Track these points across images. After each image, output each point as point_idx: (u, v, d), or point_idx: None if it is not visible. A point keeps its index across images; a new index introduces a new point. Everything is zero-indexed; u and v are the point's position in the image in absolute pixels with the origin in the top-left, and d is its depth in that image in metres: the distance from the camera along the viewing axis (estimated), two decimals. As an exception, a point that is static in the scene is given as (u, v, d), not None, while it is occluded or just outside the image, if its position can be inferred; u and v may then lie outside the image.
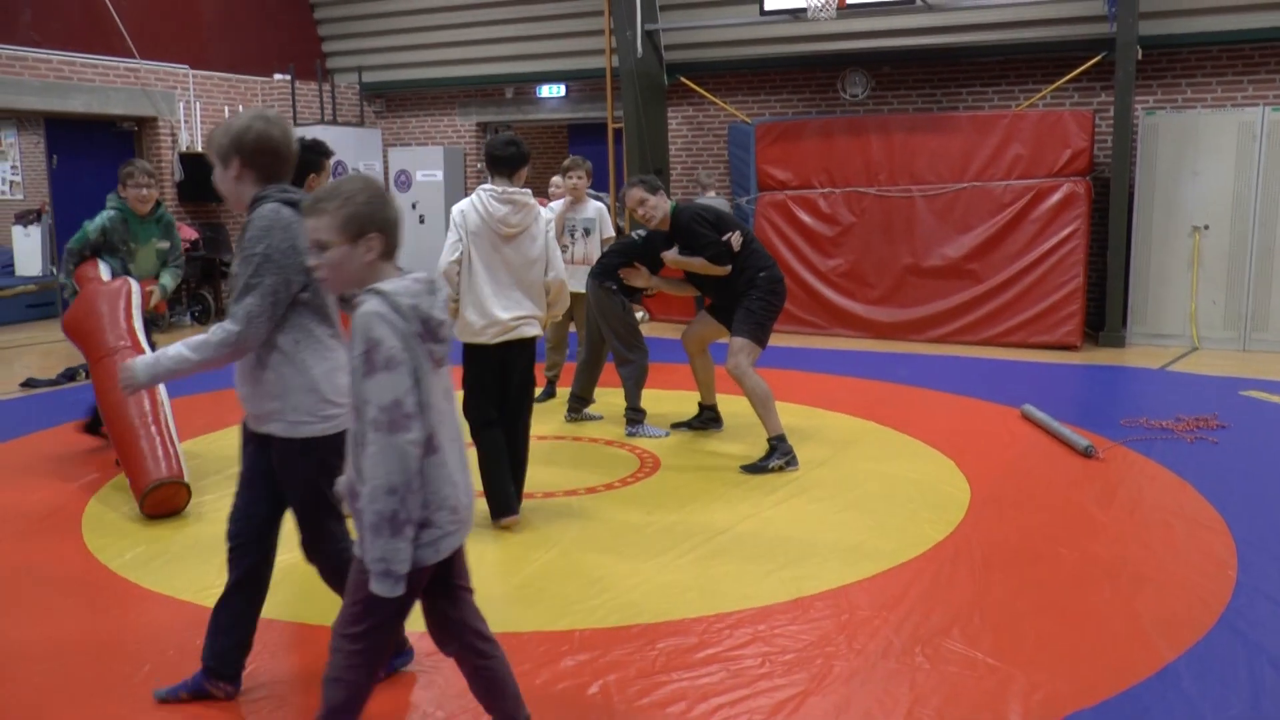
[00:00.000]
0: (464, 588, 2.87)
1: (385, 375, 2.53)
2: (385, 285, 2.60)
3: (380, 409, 2.52)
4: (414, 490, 2.57)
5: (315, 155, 5.10)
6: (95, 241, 6.28)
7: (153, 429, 5.46)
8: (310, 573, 4.51)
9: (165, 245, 6.57)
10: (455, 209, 5.02)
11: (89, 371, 6.08)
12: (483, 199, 4.93)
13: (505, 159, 4.97)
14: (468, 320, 4.95)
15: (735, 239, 6.15)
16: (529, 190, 5.03)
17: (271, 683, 3.51)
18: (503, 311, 4.92)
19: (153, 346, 5.95)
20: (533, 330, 5.05)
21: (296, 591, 4.30)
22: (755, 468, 5.95)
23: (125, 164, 6.49)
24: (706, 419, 6.91)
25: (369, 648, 2.71)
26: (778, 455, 5.97)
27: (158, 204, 6.50)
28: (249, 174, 3.16)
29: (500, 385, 5.05)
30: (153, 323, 6.51)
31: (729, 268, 6.16)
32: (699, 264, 6.20)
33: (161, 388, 5.69)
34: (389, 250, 2.68)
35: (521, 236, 4.95)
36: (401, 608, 2.72)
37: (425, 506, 2.63)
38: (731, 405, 7.00)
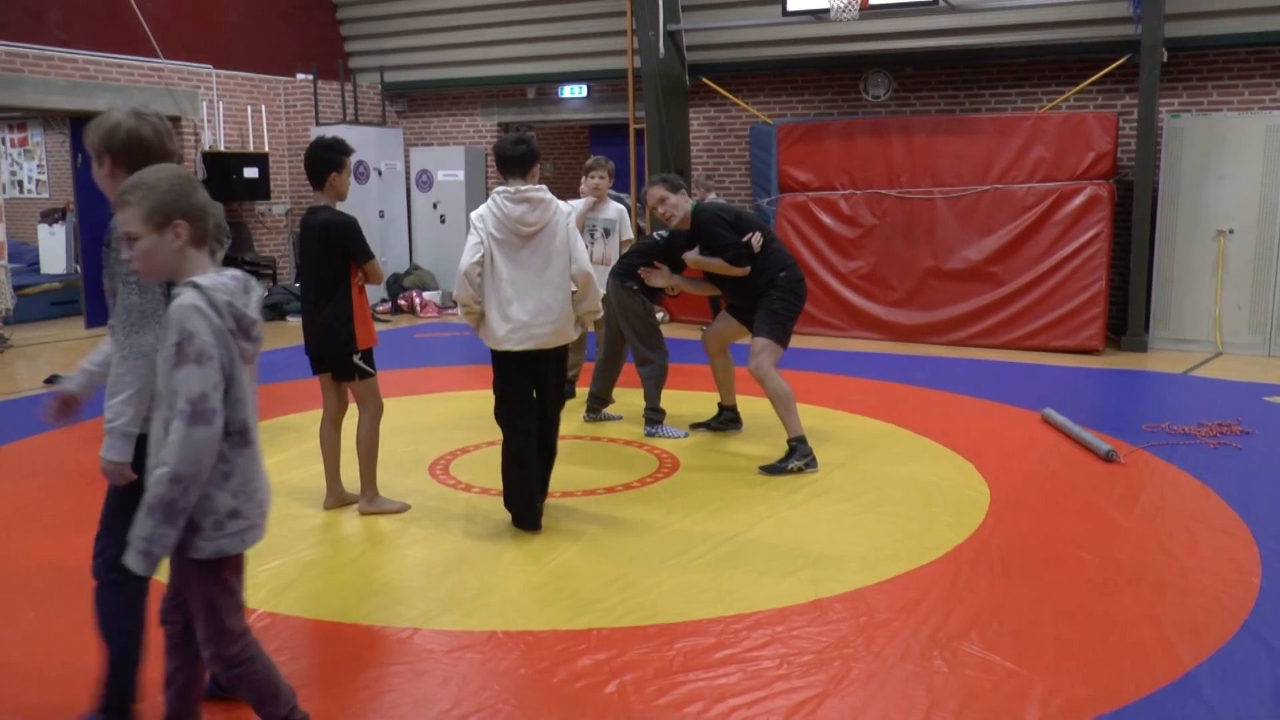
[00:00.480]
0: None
1: (195, 368, 2.59)
2: (203, 280, 2.66)
3: (188, 400, 2.58)
4: (199, 484, 2.62)
5: (334, 154, 5.10)
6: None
7: None
8: (326, 571, 4.54)
9: None
10: (474, 214, 4.99)
11: None
12: (498, 201, 4.90)
13: (516, 158, 4.93)
14: (492, 326, 4.93)
15: (755, 239, 6.13)
16: (544, 186, 5.00)
17: (290, 678, 3.52)
18: (527, 315, 4.87)
19: None
20: (562, 340, 4.98)
21: (313, 589, 4.32)
22: (774, 469, 5.93)
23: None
24: (726, 420, 6.90)
25: (230, 639, 2.78)
26: (797, 457, 5.95)
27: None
28: (120, 172, 3.14)
29: (531, 390, 5.03)
30: None
31: (748, 269, 6.14)
32: (718, 264, 6.18)
33: None
34: (198, 238, 2.72)
35: (542, 233, 4.91)
36: (233, 603, 2.79)
37: (236, 496, 2.72)
38: (751, 406, 6.99)
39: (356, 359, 5.13)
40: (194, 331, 2.59)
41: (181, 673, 2.90)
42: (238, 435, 2.71)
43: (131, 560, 2.60)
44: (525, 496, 5.00)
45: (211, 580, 2.72)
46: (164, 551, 2.63)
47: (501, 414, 5.01)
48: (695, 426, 6.91)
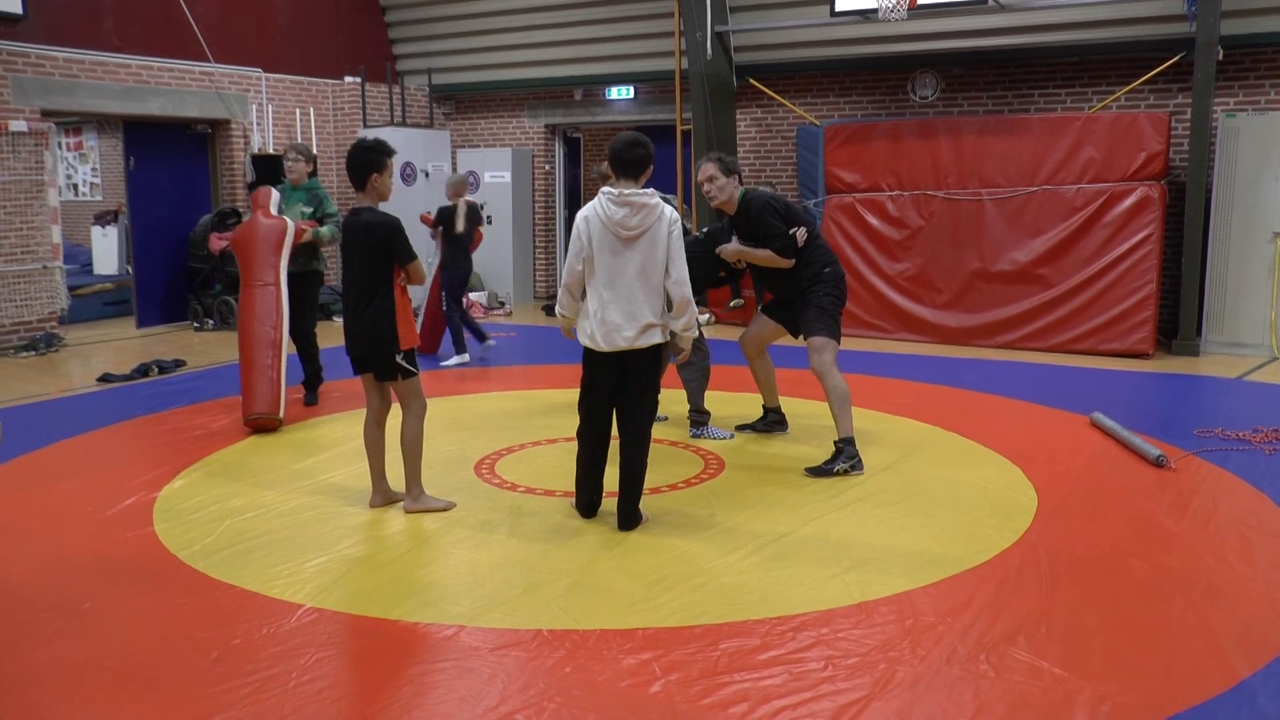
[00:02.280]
0: None
1: None
2: None
3: None
4: None
5: (375, 155, 5.15)
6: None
7: (270, 370, 7.03)
8: (372, 568, 4.57)
9: (309, 210, 7.70)
10: (579, 214, 5.00)
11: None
12: (602, 202, 4.90)
13: (631, 161, 4.89)
14: (582, 324, 4.97)
15: (800, 234, 6.10)
16: (652, 190, 4.96)
17: (330, 673, 3.55)
18: (621, 318, 4.86)
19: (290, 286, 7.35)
20: (652, 340, 4.93)
21: (358, 586, 4.35)
22: (820, 470, 5.90)
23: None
24: (771, 421, 6.87)
25: None
26: (844, 458, 5.92)
27: (310, 176, 7.84)
28: None
29: (612, 392, 5.04)
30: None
31: (793, 261, 6.10)
32: (764, 256, 6.12)
33: (286, 335, 7.25)
34: None
35: (642, 238, 4.86)
36: None
37: None
38: (797, 407, 6.96)
39: (399, 359, 5.16)
40: None
41: None
42: None
43: None
44: (582, 485, 5.17)
45: None
46: None
47: (581, 407, 5.12)
48: (741, 428, 6.89)
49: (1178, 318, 10.20)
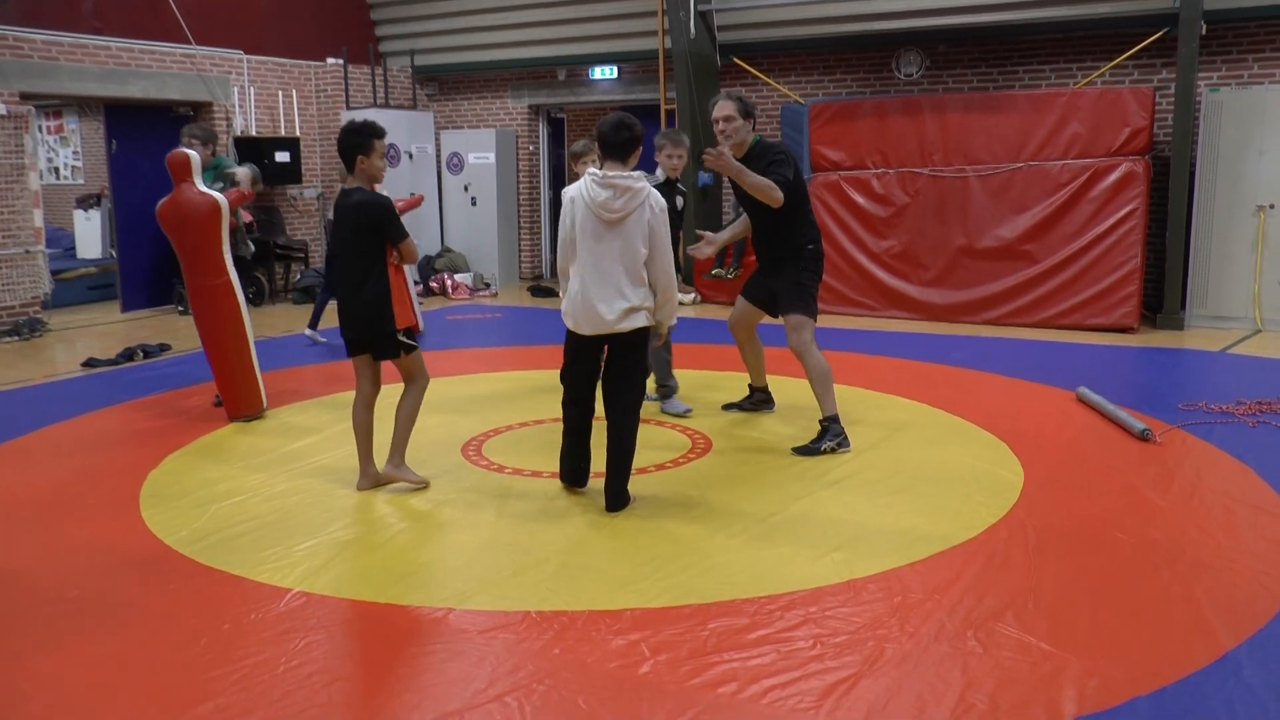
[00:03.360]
0: None
1: None
2: None
3: None
4: None
5: (360, 137, 5.14)
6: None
7: (243, 370, 6.80)
8: (361, 551, 4.57)
9: (219, 185, 7.47)
10: (565, 194, 4.99)
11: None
12: (587, 183, 4.88)
13: (617, 144, 4.86)
14: (565, 305, 4.99)
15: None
16: (640, 173, 4.93)
17: (320, 658, 3.55)
18: (600, 303, 4.85)
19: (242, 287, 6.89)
20: (634, 324, 4.91)
21: (347, 570, 4.35)
22: (807, 449, 5.91)
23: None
24: (758, 400, 6.86)
25: None
26: (829, 437, 5.93)
27: (215, 155, 7.87)
28: None
29: (594, 373, 5.06)
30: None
31: (781, 200, 5.74)
32: (761, 184, 5.68)
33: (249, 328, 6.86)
34: None
35: (626, 222, 4.84)
36: None
37: None
38: (785, 385, 6.97)
39: (400, 336, 5.21)
40: None
41: None
42: None
43: None
44: (566, 455, 5.23)
45: None
46: None
47: (563, 383, 5.15)
48: (727, 407, 6.89)
49: (1162, 292, 10.24)
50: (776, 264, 6.14)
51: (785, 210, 5.86)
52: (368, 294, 5.11)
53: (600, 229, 4.85)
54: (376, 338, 5.20)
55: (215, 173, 7.68)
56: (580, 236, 4.88)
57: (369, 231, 5.11)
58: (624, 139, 4.86)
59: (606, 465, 5.05)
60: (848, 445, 5.96)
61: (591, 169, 4.91)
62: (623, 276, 4.86)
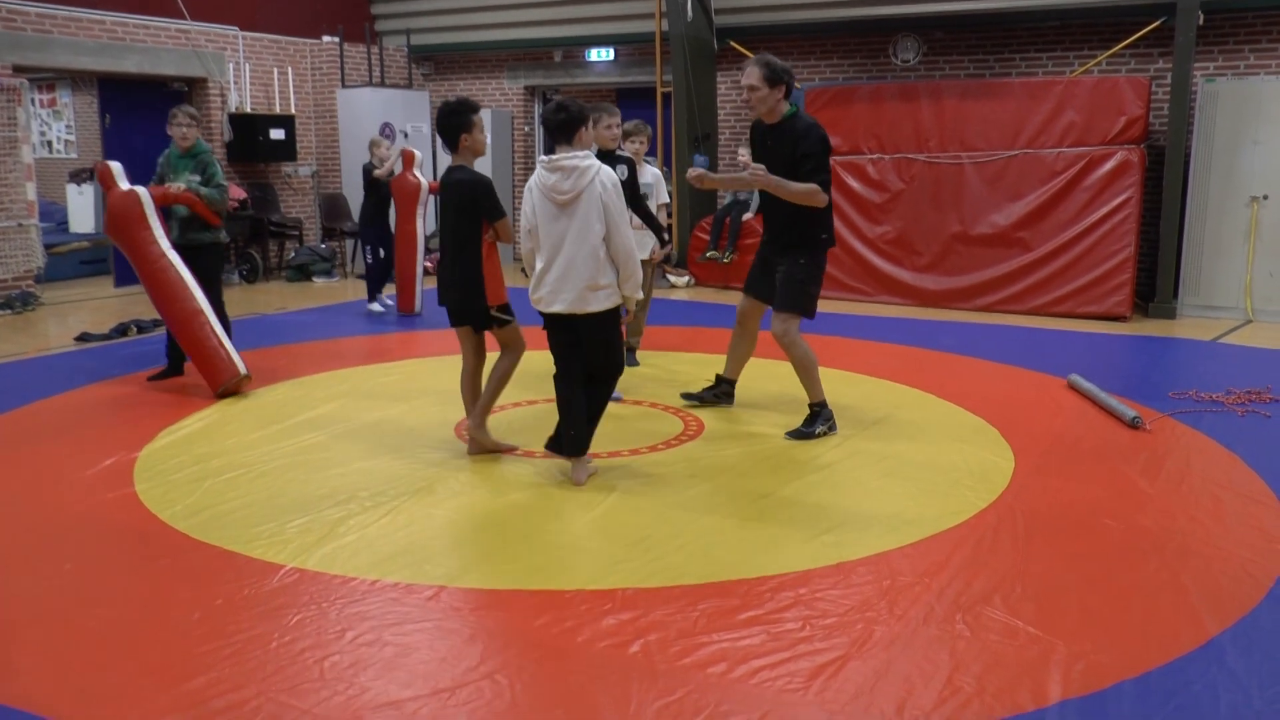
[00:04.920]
0: None
1: None
2: None
3: None
4: None
5: (460, 116, 5.32)
6: (160, 172, 7.32)
7: (213, 339, 6.84)
8: (354, 528, 4.58)
9: (196, 178, 7.20)
10: (526, 187, 5.11)
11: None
12: (539, 171, 5.01)
13: (556, 125, 4.96)
14: (531, 290, 5.09)
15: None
16: (586, 153, 4.97)
17: (312, 634, 3.57)
18: (562, 283, 4.95)
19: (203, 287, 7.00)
20: (598, 305, 4.96)
21: (340, 546, 4.35)
22: (799, 433, 5.93)
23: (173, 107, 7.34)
24: (721, 392, 6.63)
25: None
26: (820, 421, 5.95)
27: (197, 142, 7.31)
28: None
29: (575, 349, 5.13)
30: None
31: (826, 202, 5.63)
32: (802, 190, 5.57)
33: (205, 305, 6.92)
34: None
35: (578, 202, 4.90)
36: None
37: None
38: (776, 369, 6.98)
39: (494, 310, 5.37)
40: None
41: None
42: None
43: None
44: (563, 418, 5.23)
45: None
46: None
47: (553, 356, 5.23)
48: (686, 397, 6.68)
49: (1155, 281, 10.27)
50: (786, 250, 5.91)
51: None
52: (463, 268, 5.29)
53: (555, 212, 4.95)
54: (472, 310, 5.38)
55: (196, 161, 7.24)
56: (540, 222, 5.00)
57: (468, 209, 5.27)
58: (561, 120, 4.93)
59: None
60: (835, 428, 5.99)
61: (542, 156, 5.03)
62: (578, 258, 4.93)
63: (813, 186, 5.62)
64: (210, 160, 7.32)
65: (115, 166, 6.97)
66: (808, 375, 5.97)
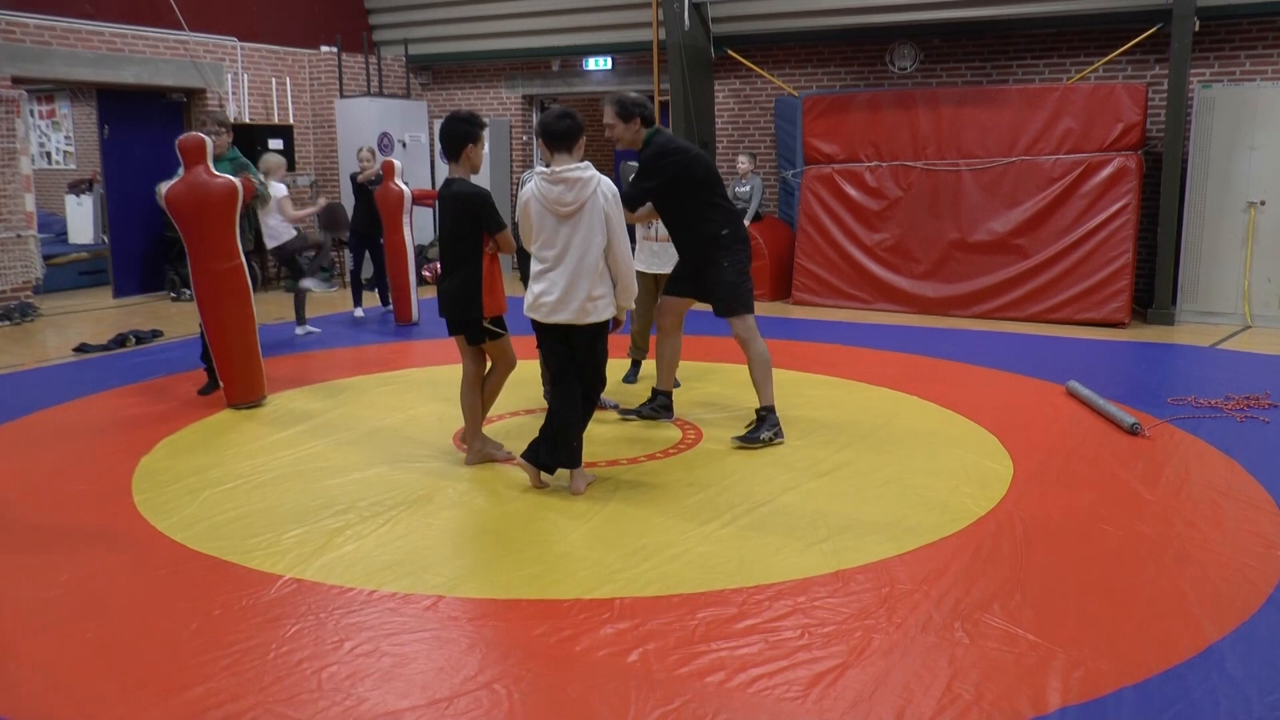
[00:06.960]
0: None
1: None
2: None
3: None
4: None
5: (470, 127, 5.35)
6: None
7: (249, 356, 6.80)
8: (351, 539, 4.58)
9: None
10: (520, 199, 5.09)
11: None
12: (538, 182, 4.97)
13: (560, 134, 4.96)
14: (526, 297, 5.09)
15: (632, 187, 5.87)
16: (587, 164, 5.00)
17: (310, 644, 3.56)
18: (561, 294, 4.94)
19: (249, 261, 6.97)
20: (596, 316, 4.99)
21: (338, 556, 4.35)
22: (748, 439, 5.88)
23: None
24: (659, 406, 6.46)
25: None
26: (767, 426, 5.93)
27: (231, 148, 7.42)
28: None
29: (569, 358, 5.12)
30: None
31: (633, 213, 5.77)
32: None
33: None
34: None
35: (580, 214, 4.92)
36: None
37: None
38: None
39: (486, 323, 5.35)
40: None
41: None
42: None
43: None
44: (559, 418, 5.16)
45: None
46: None
47: (544, 373, 5.25)
48: (625, 413, 6.54)
49: (1153, 287, 10.28)
50: (706, 264, 5.92)
51: (684, 205, 5.87)
52: (461, 280, 5.28)
53: (557, 223, 4.94)
54: (467, 323, 5.37)
55: (233, 165, 7.22)
56: (539, 234, 5.00)
57: (467, 221, 5.26)
58: (566, 127, 4.96)
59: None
60: (782, 436, 5.96)
61: (539, 167, 5.01)
62: (579, 270, 4.93)
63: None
64: (246, 163, 7.42)
65: (209, 141, 6.68)
66: (762, 374, 5.95)
